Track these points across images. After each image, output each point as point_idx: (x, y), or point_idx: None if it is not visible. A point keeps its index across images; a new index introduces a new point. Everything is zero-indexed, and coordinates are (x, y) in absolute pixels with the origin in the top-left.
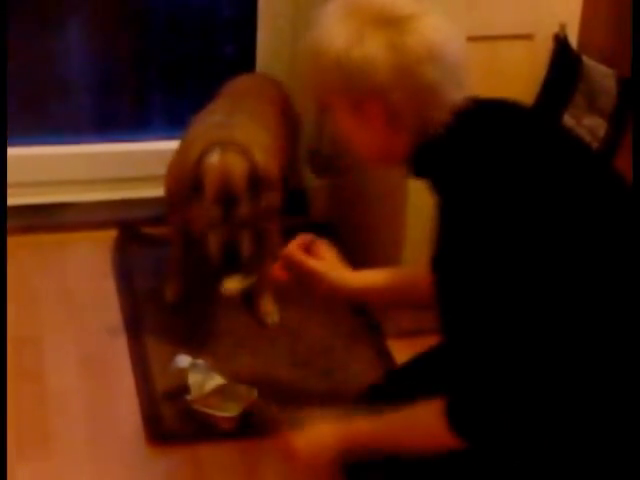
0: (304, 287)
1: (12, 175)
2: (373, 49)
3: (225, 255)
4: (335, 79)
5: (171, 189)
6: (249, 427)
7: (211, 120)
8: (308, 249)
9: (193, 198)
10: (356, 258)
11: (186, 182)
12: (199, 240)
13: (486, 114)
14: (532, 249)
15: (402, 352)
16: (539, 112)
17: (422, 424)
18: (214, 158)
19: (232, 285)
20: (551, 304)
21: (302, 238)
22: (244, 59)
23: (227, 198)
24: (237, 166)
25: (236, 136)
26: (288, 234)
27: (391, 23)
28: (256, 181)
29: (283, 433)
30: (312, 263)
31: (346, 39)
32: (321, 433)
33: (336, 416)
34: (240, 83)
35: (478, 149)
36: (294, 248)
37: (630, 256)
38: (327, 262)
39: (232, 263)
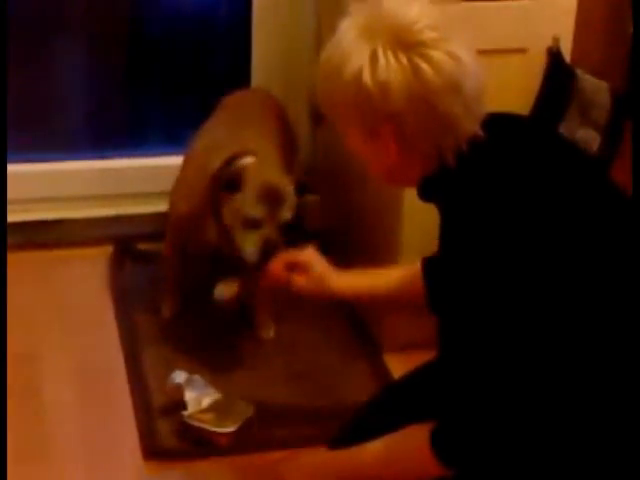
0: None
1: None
2: (388, 74)
3: (262, 256)
4: (347, 101)
5: (179, 206)
6: (246, 443)
7: (219, 134)
8: (292, 266)
9: (224, 199)
10: (351, 270)
11: (215, 184)
12: (201, 256)
13: (499, 143)
14: (539, 278)
15: (399, 367)
16: (550, 136)
17: (407, 452)
18: (249, 160)
19: (228, 290)
20: (551, 333)
21: (284, 257)
22: (239, 75)
23: (270, 198)
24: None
25: (250, 149)
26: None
27: (408, 47)
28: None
29: (274, 455)
30: (296, 281)
31: (360, 61)
32: (311, 462)
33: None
34: (239, 98)
35: (490, 182)
36: (277, 267)
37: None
38: (311, 274)
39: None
